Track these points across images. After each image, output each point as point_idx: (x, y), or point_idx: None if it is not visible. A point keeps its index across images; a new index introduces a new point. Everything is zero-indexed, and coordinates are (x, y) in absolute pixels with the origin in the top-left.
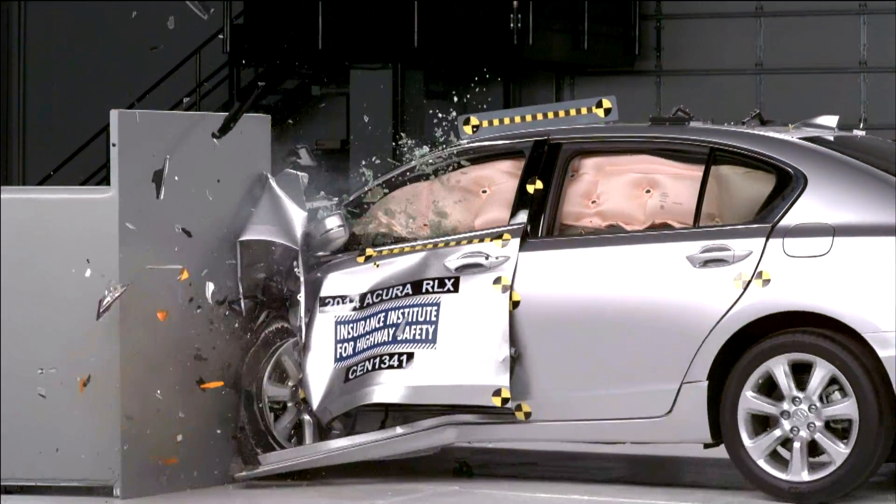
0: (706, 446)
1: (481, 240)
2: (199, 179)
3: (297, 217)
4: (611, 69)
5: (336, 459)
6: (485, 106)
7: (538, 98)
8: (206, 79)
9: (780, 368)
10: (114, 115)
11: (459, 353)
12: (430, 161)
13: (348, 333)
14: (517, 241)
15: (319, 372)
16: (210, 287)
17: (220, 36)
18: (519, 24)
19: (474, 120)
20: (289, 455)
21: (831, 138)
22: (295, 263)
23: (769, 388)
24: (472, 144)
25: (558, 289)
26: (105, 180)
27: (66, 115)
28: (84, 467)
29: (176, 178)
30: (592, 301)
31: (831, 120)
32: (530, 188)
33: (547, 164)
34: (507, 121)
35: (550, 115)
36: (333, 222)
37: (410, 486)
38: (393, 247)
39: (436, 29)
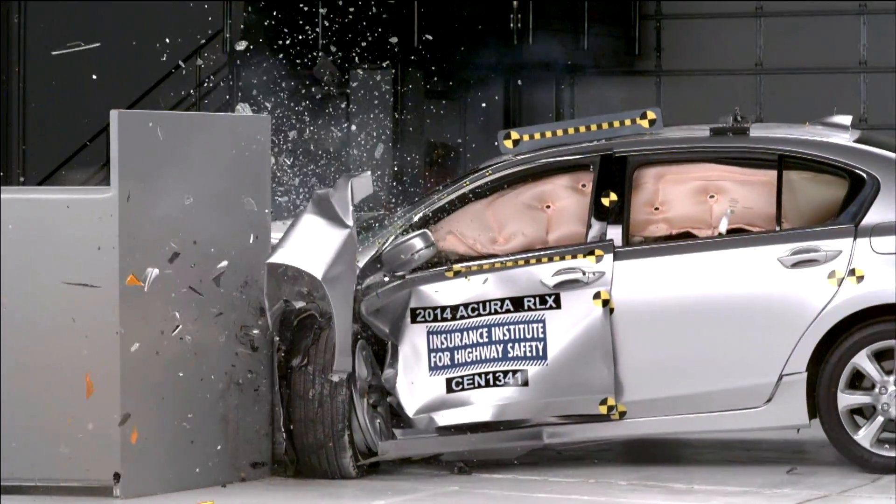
0: (798, 430)
1: (574, 255)
2: (198, 179)
3: (336, 235)
4: (611, 69)
5: (447, 447)
6: (490, 97)
7: (538, 98)
8: (206, 79)
9: (864, 360)
10: (114, 115)
11: (568, 368)
12: (490, 177)
13: (442, 343)
14: (610, 256)
15: (412, 380)
16: (153, 273)
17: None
18: (519, 24)
19: (514, 134)
20: (407, 443)
21: (892, 140)
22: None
23: (857, 379)
24: (539, 161)
25: (652, 294)
26: (105, 180)
27: (66, 115)
28: (84, 467)
29: (176, 177)
30: (688, 304)
31: (845, 119)
32: (605, 201)
33: (618, 176)
34: (548, 134)
35: (593, 127)
36: (420, 243)
37: (410, 485)
38: (482, 262)
39: (436, 29)
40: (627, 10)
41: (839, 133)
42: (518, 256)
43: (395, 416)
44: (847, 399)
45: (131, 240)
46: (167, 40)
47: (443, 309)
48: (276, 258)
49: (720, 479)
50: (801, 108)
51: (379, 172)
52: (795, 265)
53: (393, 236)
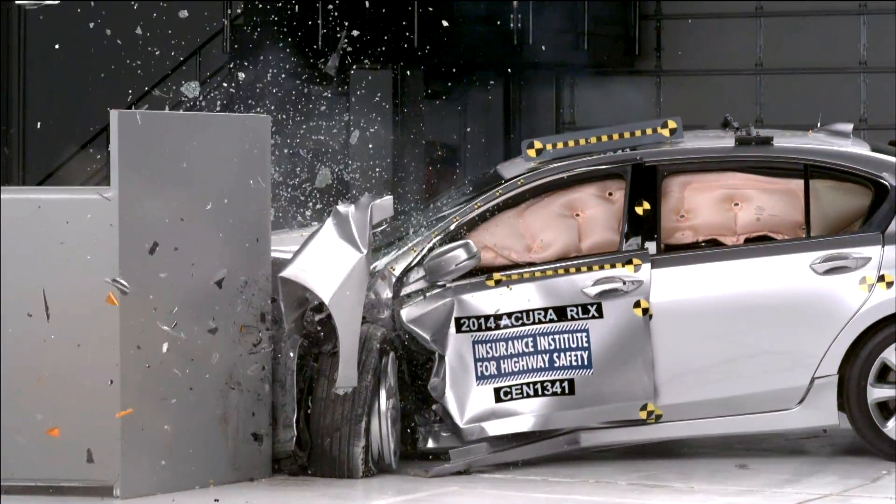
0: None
1: (612, 265)
2: (199, 180)
3: (348, 259)
4: (611, 69)
5: (501, 458)
6: (490, 97)
7: (538, 98)
8: (206, 79)
9: (893, 355)
10: (114, 115)
11: (611, 376)
12: (524, 186)
13: (487, 352)
14: (648, 265)
15: (460, 389)
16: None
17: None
18: (519, 24)
19: (538, 144)
20: (471, 453)
21: None
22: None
23: (882, 374)
24: (574, 171)
25: (688, 301)
26: (105, 180)
27: (66, 115)
28: (84, 467)
29: (176, 178)
30: (722, 310)
31: (847, 126)
32: (639, 210)
33: (649, 185)
34: (570, 143)
35: (615, 136)
36: (463, 254)
37: (410, 485)
38: (522, 271)
39: (436, 29)
40: (627, 10)
41: (844, 141)
42: (557, 265)
43: (438, 422)
44: (876, 392)
45: (131, 240)
46: (168, 39)
47: (486, 318)
48: (289, 274)
49: (720, 479)
50: (801, 108)
51: (358, 163)
52: (827, 272)
53: (429, 244)
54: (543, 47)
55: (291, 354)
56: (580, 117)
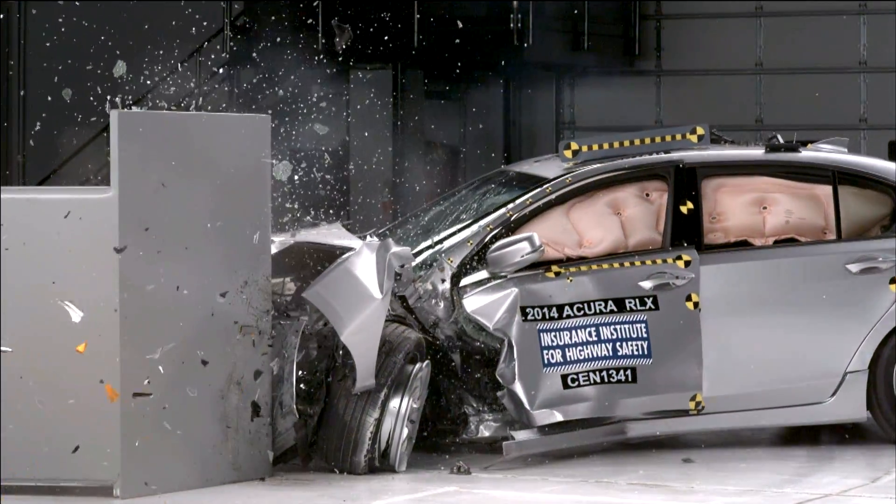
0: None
1: (664, 260)
2: (199, 179)
3: (367, 301)
4: (611, 69)
5: (554, 445)
6: (490, 97)
7: (538, 98)
8: (206, 79)
9: None
10: (114, 115)
11: (667, 366)
12: (573, 185)
13: (552, 341)
14: (697, 261)
15: (529, 376)
16: (72, 308)
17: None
18: (519, 24)
19: (574, 145)
20: (531, 439)
21: None
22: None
23: None
24: (619, 171)
25: (731, 296)
26: (105, 180)
27: (66, 115)
28: (84, 467)
29: (176, 177)
30: (763, 305)
31: (842, 141)
32: (683, 209)
33: (690, 186)
34: (605, 146)
35: (647, 140)
36: (528, 246)
37: (410, 485)
38: (579, 264)
39: (436, 29)
40: (627, 10)
41: (830, 148)
42: (612, 259)
43: (490, 412)
44: None
45: (130, 239)
46: (167, 40)
47: (550, 307)
48: (310, 296)
49: (720, 479)
50: (801, 108)
51: (322, 150)
52: (861, 272)
53: (486, 237)
54: (543, 47)
55: (293, 340)
56: (580, 117)
